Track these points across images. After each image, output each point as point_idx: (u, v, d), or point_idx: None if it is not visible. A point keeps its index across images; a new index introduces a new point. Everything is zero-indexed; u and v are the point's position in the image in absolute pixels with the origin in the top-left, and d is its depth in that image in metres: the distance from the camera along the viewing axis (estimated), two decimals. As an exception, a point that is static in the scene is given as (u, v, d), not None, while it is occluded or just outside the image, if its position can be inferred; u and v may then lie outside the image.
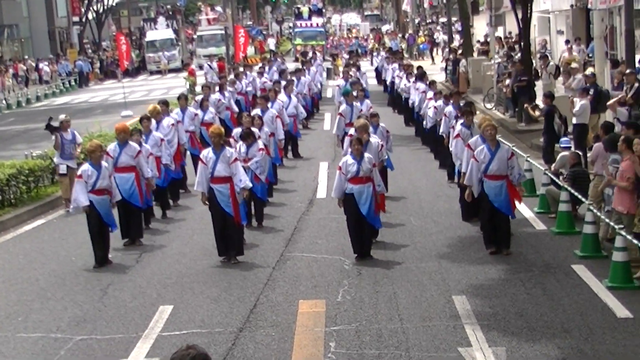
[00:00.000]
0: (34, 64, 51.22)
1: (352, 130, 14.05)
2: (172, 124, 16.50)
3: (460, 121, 14.64)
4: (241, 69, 28.54)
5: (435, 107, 18.53)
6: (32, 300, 11.19)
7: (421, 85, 21.90)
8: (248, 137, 13.89)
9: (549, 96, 18.77)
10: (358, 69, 29.33)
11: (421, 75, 22.88)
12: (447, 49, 41.84)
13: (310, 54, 37.13)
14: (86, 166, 12.60)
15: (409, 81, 24.57)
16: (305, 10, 60.87)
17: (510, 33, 38.25)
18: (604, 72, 24.09)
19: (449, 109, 16.93)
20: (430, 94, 20.16)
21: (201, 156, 12.36)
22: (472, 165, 12.06)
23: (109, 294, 11.24)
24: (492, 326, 9.40)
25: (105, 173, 12.55)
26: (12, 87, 44.39)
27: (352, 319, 9.80)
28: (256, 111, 18.15)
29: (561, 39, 35.07)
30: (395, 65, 29.82)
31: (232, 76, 26.80)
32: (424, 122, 19.76)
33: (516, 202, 12.52)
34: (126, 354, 9.12)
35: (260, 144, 14.19)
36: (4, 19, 54.33)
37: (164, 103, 16.96)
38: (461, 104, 16.59)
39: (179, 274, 11.91)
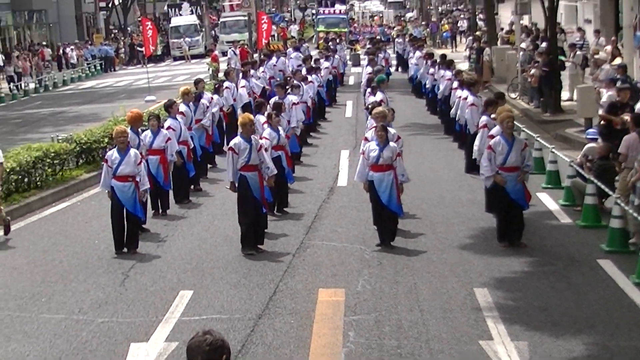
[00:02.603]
0: (60, 50, 51.45)
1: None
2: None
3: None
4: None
5: (474, 104, 17.11)
6: (56, 281, 11.24)
7: (447, 73, 21.69)
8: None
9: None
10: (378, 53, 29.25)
11: (448, 64, 22.66)
12: (470, 37, 41.52)
13: (329, 43, 36.92)
14: (112, 151, 12.58)
15: (434, 68, 24.30)
16: None
17: (536, 24, 37.86)
18: (632, 62, 23.77)
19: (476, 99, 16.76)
20: (455, 83, 19.88)
21: (233, 146, 11.99)
22: (490, 157, 11.98)
23: (130, 277, 11.26)
24: (514, 320, 9.29)
25: (130, 159, 12.32)
26: (41, 71, 44.63)
27: (372, 309, 9.74)
28: (274, 99, 18.16)
29: (589, 28, 34.65)
30: (417, 52, 29.64)
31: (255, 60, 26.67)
32: (456, 117, 18.93)
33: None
34: (146, 338, 9.13)
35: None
36: (34, 4, 54.65)
37: (156, 117, 14.87)
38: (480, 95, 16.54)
39: (200, 259, 11.90)
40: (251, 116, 12.58)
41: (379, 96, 17.58)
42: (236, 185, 12.03)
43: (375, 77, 19.32)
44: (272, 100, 17.01)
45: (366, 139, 13.04)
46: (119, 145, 12.48)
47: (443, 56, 24.95)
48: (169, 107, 15.43)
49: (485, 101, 15.36)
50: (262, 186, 12.06)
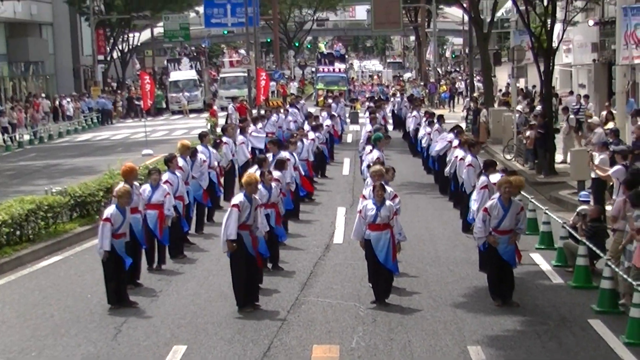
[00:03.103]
0: (56, 102, 51.80)
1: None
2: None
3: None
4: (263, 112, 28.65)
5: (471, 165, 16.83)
6: (46, 335, 11.21)
7: (449, 135, 21.85)
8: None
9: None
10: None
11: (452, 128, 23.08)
12: (468, 99, 42.01)
13: (330, 100, 37.28)
14: (113, 209, 12.41)
15: (431, 127, 24.45)
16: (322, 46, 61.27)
17: (534, 87, 38.38)
18: (625, 127, 24.09)
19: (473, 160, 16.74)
20: (455, 142, 19.72)
21: (239, 204, 11.96)
22: (485, 218, 12.13)
23: (123, 332, 11.24)
24: (506, 379, 9.30)
25: (128, 217, 12.56)
26: (37, 122, 44.81)
27: (366, 366, 9.74)
28: (268, 156, 18.36)
29: (583, 93, 35.12)
30: (416, 112, 29.92)
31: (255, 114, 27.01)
32: (450, 176, 18.96)
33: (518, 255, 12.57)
34: (138, 393, 9.09)
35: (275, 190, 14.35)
36: (30, 56, 55.12)
37: (158, 172, 15.13)
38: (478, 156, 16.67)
39: (194, 315, 11.90)
40: (257, 176, 12.64)
41: (375, 154, 17.70)
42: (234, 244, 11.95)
43: (373, 135, 19.47)
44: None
45: (364, 197, 13.14)
46: (121, 204, 12.42)
47: (441, 117, 25.15)
48: (169, 161, 15.52)
49: (485, 162, 15.33)
50: (255, 243, 12.10)
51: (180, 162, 16.29)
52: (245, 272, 11.95)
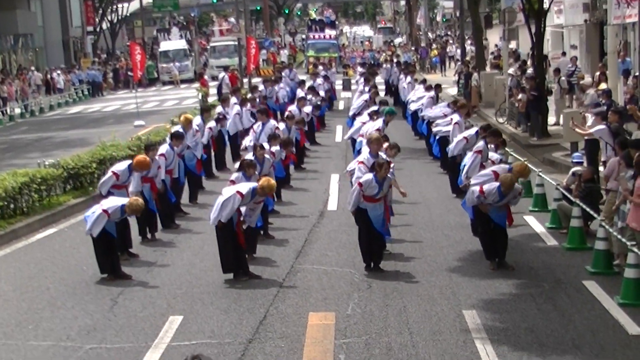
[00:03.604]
0: (44, 74, 51.48)
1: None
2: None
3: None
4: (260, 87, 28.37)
5: (466, 139, 16.41)
6: (43, 308, 11.23)
7: (451, 114, 21.83)
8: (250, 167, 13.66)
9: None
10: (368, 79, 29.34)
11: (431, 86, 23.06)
12: (459, 63, 41.85)
13: (320, 67, 37.06)
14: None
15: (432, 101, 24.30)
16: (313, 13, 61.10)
17: (515, 50, 38.21)
18: (617, 87, 24.04)
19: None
20: (456, 116, 19.29)
21: (244, 193, 11.80)
22: (480, 200, 12.05)
23: (119, 303, 11.26)
24: (502, 341, 9.37)
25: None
26: (27, 96, 44.58)
27: (362, 332, 9.79)
28: (257, 125, 18.36)
29: (574, 54, 35.03)
30: (410, 78, 29.73)
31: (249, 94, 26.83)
32: (450, 149, 18.74)
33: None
34: (135, 364, 9.13)
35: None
36: (19, 29, 54.64)
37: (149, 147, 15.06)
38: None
39: (189, 285, 11.92)
40: (274, 186, 12.36)
41: (378, 123, 17.61)
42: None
43: (385, 109, 18.88)
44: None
45: (364, 165, 13.09)
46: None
47: (438, 86, 25.02)
48: (176, 138, 15.80)
49: (483, 127, 15.11)
50: (240, 223, 12.01)
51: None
52: (231, 240, 11.95)
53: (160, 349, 9.49)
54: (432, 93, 23.59)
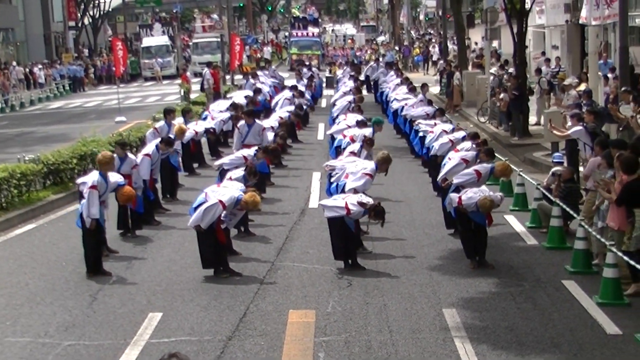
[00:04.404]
0: (27, 69, 51.12)
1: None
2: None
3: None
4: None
5: (451, 141, 16.22)
6: (21, 304, 11.14)
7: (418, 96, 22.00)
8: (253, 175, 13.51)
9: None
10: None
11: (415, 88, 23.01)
12: (441, 62, 41.93)
13: (305, 70, 36.84)
14: (96, 176, 12.38)
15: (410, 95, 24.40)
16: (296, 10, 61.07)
17: (496, 50, 38.32)
18: (597, 88, 24.18)
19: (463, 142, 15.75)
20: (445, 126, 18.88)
21: (227, 203, 11.73)
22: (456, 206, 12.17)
23: (98, 299, 11.20)
24: (481, 340, 9.39)
25: (110, 185, 12.61)
26: (8, 90, 44.26)
27: (342, 330, 9.79)
28: (241, 123, 18.30)
29: (556, 54, 35.18)
30: (394, 78, 29.69)
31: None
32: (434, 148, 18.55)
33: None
34: (114, 361, 9.08)
35: None
36: (0, 23, 54.24)
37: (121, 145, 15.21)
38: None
39: (169, 281, 11.88)
40: (259, 201, 12.19)
41: (367, 131, 17.30)
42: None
43: (373, 119, 18.54)
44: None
45: (370, 177, 13.06)
46: (105, 171, 12.49)
47: (424, 85, 25.09)
48: (168, 144, 15.78)
49: (487, 150, 14.00)
50: (219, 223, 11.96)
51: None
52: (211, 237, 11.89)
53: (139, 346, 9.45)
54: (421, 96, 23.46)
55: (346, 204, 12.07)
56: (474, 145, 14.73)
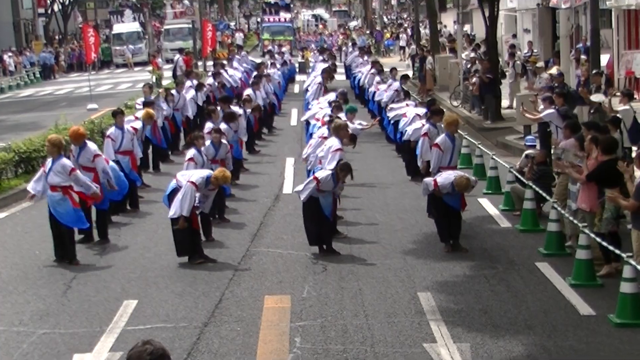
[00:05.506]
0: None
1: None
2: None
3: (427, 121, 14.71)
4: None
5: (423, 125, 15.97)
6: (-6, 294, 11.06)
7: (395, 84, 22.03)
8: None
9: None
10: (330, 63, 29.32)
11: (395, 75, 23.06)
12: (413, 46, 41.95)
13: (277, 56, 36.63)
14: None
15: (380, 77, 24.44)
16: None
17: (468, 34, 38.43)
18: (569, 71, 24.33)
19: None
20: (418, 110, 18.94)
21: (197, 183, 11.75)
22: (432, 189, 12.27)
23: (72, 288, 11.14)
24: (456, 322, 9.46)
25: (57, 168, 12.03)
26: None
27: (318, 315, 9.81)
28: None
29: (527, 38, 35.36)
30: (368, 66, 29.57)
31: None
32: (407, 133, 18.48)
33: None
34: (90, 348, 9.05)
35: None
36: (-32, 9, 53.56)
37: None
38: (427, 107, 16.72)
39: (144, 269, 11.83)
40: (227, 179, 12.28)
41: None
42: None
43: (346, 107, 18.52)
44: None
45: (339, 152, 13.00)
46: (51, 154, 12.28)
47: (395, 70, 25.19)
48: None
49: (433, 109, 15.34)
50: (194, 209, 11.94)
51: (138, 124, 16.68)
52: (188, 226, 11.86)
53: (114, 334, 9.41)
54: (397, 84, 23.06)
55: (314, 176, 12.23)
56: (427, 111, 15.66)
